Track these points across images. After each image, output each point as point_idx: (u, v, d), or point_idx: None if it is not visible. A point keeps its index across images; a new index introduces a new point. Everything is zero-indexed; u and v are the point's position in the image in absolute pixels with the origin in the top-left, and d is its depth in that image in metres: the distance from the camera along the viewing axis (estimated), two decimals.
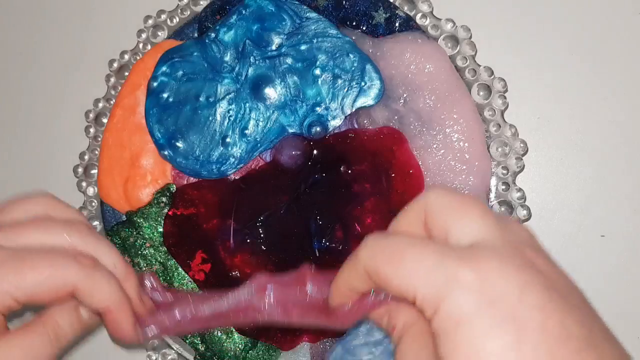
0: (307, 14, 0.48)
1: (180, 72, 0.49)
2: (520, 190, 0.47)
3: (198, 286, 0.49)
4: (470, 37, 0.48)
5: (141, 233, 0.50)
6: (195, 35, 0.51)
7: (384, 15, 0.48)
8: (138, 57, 0.52)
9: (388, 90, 0.47)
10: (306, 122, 0.48)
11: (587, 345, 0.27)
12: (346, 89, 0.47)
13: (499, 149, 0.47)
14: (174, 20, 0.52)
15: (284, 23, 0.48)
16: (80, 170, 0.53)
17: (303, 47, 0.48)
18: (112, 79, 0.52)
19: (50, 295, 0.32)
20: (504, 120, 0.47)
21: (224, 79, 0.49)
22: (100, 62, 0.54)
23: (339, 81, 0.47)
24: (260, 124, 0.48)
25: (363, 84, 0.47)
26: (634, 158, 0.50)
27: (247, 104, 0.48)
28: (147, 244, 0.50)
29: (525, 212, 0.47)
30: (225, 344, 0.50)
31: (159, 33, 0.52)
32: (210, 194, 0.49)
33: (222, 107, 0.49)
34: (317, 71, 0.48)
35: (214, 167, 0.49)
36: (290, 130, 0.48)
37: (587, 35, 0.50)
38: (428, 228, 0.30)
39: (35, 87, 0.59)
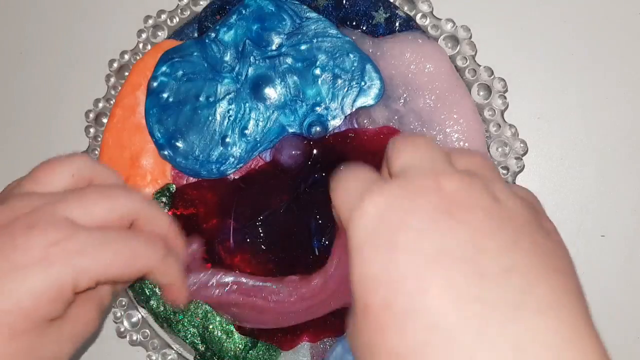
0: (307, 14, 0.48)
1: (180, 72, 0.49)
2: None
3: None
4: (470, 37, 0.48)
5: None
6: (195, 35, 0.51)
7: (384, 15, 0.48)
8: (138, 57, 0.52)
9: (388, 90, 0.47)
10: (306, 122, 0.48)
11: (463, 260, 0.27)
12: (346, 89, 0.47)
13: (499, 149, 0.47)
14: (174, 20, 0.52)
15: (284, 23, 0.48)
16: None
17: (303, 47, 0.48)
18: (112, 79, 0.52)
19: (130, 278, 0.37)
20: (504, 120, 0.47)
21: (224, 78, 0.49)
22: (100, 62, 0.54)
23: (339, 81, 0.47)
24: (260, 123, 0.48)
25: (363, 83, 0.47)
26: (634, 158, 0.50)
27: (247, 104, 0.48)
28: None
29: None
30: (225, 344, 0.50)
31: (159, 33, 0.52)
32: (209, 193, 0.49)
33: (222, 107, 0.49)
34: (317, 71, 0.48)
35: (213, 166, 0.49)
36: (290, 130, 0.48)
37: (587, 35, 0.50)
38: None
39: (35, 87, 0.59)
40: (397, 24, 0.48)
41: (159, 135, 0.49)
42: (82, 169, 0.39)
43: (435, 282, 0.26)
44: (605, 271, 0.50)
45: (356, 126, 0.48)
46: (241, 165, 0.49)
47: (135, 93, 0.51)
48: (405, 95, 0.47)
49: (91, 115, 0.53)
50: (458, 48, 0.48)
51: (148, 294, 0.50)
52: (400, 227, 0.28)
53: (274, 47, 0.48)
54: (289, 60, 0.48)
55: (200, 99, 0.49)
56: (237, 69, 0.49)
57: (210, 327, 0.50)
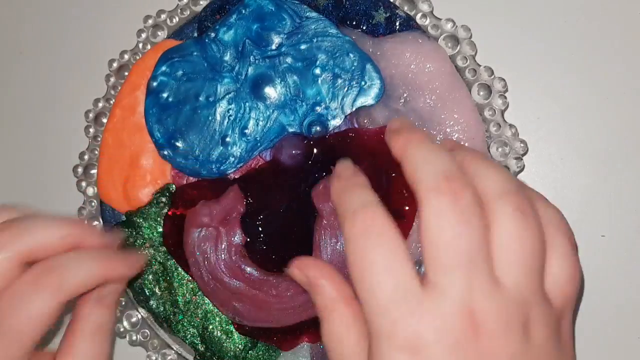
0: (307, 14, 0.48)
1: (180, 72, 0.49)
2: None
3: (198, 286, 0.49)
4: (470, 37, 0.48)
5: (141, 233, 0.50)
6: (195, 34, 0.51)
7: (384, 14, 0.48)
8: (138, 57, 0.52)
9: (388, 89, 0.47)
10: (306, 122, 0.48)
11: None
12: (346, 89, 0.47)
13: (499, 149, 0.47)
14: (174, 20, 0.52)
15: (283, 22, 0.48)
16: (79, 170, 0.53)
17: (303, 47, 0.48)
18: (112, 79, 0.52)
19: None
20: (504, 120, 0.47)
21: (223, 78, 0.49)
22: (100, 62, 0.54)
23: (339, 80, 0.47)
24: (260, 123, 0.48)
25: (363, 83, 0.47)
26: (634, 158, 0.50)
27: (247, 104, 0.48)
28: (147, 244, 0.50)
29: None
30: (225, 344, 0.50)
31: (159, 33, 0.52)
32: (209, 193, 0.49)
33: (221, 107, 0.49)
34: (317, 70, 0.48)
35: (213, 166, 0.49)
36: (290, 130, 0.48)
37: (587, 35, 0.50)
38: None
39: (35, 86, 0.59)
40: (397, 24, 0.48)
41: (158, 135, 0.49)
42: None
43: None
44: (605, 271, 0.49)
45: (356, 126, 0.48)
46: (241, 164, 0.49)
47: (135, 93, 0.51)
48: (405, 95, 0.47)
49: (91, 115, 0.53)
50: (458, 48, 0.48)
51: (147, 294, 0.50)
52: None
53: (273, 47, 0.48)
54: (289, 60, 0.48)
55: (200, 98, 0.49)
56: (237, 68, 0.49)
57: (210, 327, 0.50)
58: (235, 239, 0.48)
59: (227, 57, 0.49)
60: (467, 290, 0.30)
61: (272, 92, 0.48)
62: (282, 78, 0.48)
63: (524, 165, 0.47)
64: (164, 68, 0.49)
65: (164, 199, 0.50)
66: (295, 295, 0.46)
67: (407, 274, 0.31)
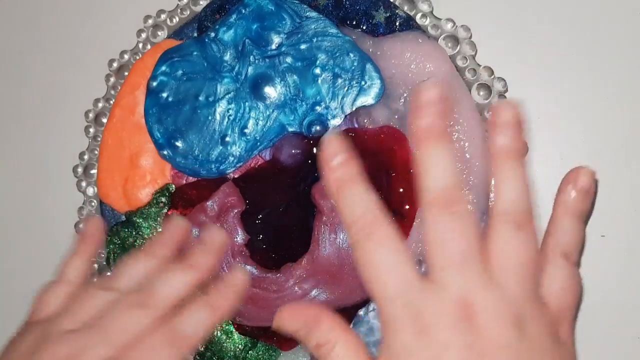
0: (307, 13, 0.48)
1: (180, 72, 0.49)
2: None
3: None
4: (470, 37, 0.48)
5: (140, 233, 0.50)
6: (195, 34, 0.51)
7: (384, 14, 0.48)
8: (138, 57, 0.52)
9: (388, 89, 0.47)
10: (306, 121, 0.48)
11: None
12: (346, 88, 0.47)
13: None
14: (174, 20, 0.52)
15: (283, 22, 0.48)
16: (79, 170, 0.53)
17: (303, 46, 0.48)
18: (112, 79, 0.52)
19: None
20: None
21: (223, 78, 0.49)
22: (100, 62, 0.54)
23: (339, 80, 0.47)
24: (260, 122, 0.48)
25: (363, 83, 0.47)
26: (634, 158, 0.50)
27: (247, 103, 0.48)
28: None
29: None
30: (225, 344, 0.50)
31: (159, 33, 0.52)
32: (209, 193, 0.48)
33: (221, 107, 0.49)
34: (317, 70, 0.48)
35: (213, 166, 0.49)
36: (290, 129, 0.48)
37: (587, 35, 0.50)
38: None
39: (34, 87, 0.59)
40: (397, 24, 0.48)
41: (158, 135, 0.49)
42: (71, 285, 0.42)
43: None
44: (605, 271, 0.49)
45: (356, 125, 0.48)
46: (241, 164, 0.49)
47: (134, 93, 0.51)
48: (405, 95, 0.47)
49: (91, 115, 0.53)
50: (458, 48, 0.48)
51: None
52: None
53: (273, 47, 0.48)
54: (289, 60, 0.48)
55: (200, 98, 0.49)
56: (236, 68, 0.49)
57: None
58: (238, 239, 0.48)
59: (227, 57, 0.49)
60: (463, 284, 0.33)
61: (272, 92, 0.48)
62: (282, 78, 0.48)
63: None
64: (163, 68, 0.49)
65: (163, 199, 0.50)
66: (296, 284, 0.46)
67: (409, 270, 0.34)
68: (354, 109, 0.47)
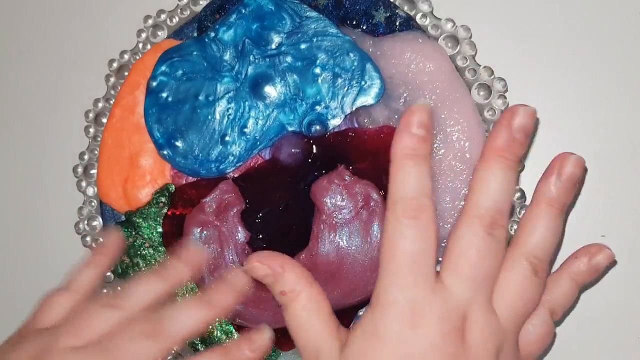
0: (307, 13, 0.48)
1: (180, 72, 0.49)
2: (520, 190, 0.47)
3: (197, 288, 0.49)
4: (470, 37, 0.48)
5: (140, 233, 0.50)
6: (195, 34, 0.51)
7: (384, 14, 0.48)
8: (138, 57, 0.52)
9: (388, 89, 0.47)
10: (306, 121, 0.48)
11: None
12: (346, 88, 0.47)
13: None
14: (174, 20, 0.52)
15: (283, 22, 0.48)
16: (79, 170, 0.53)
17: (303, 46, 0.48)
18: (112, 79, 0.52)
19: None
20: None
21: (223, 77, 0.49)
22: (100, 62, 0.54)
23: (339, 80, 0.47)
24: (260, 122, 0.48)
25: (363, 83, 0.47)
26: (634, 158, 0.50)
27: (247, 103, 0.48)
28: (146, 244, 0.50)
29: (525, 212, 0.47)
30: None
31: (159, 33, 0.52)
32: (209, 193, 0.48)
33: (221, 106, 0.49)
34: (317, 70, 0.48)
35: (212, 165, 0.49)
36: (290, 129, 0.48)
37: (587, 35, 0.50)
38: None
39: (34, 87, 0.59)
40: (397, 23, 0.48)
41: (158, 135, 0.49)
42: (78, 295, 0.42)
43: None
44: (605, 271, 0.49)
45: (356, 125, 0.48)
46: (240, 163, 0.49)
47: (134, 93, 0.51)
48: (405, 95, 0.47)
49: (91, 115, 0.53)
50: (458, 48, 0.48)
51: None
52: None
53: (273, 46, 0.48)
54: (289, 59, 0.48)
55: (200, 98, 0.49)
56: (236, 67, 0.49)
57: (210, 327, 0.50)
58: (239, 236, 0.47)
59: (226, 57, 0.49)
60: (470, 300, 0.36)
61: (272, 91, 0.48)
62: (281, 77, 0.48)
63: (524, 166, 0.47)
64: (163, 68, 0.49)
65: (163, 199, 0.50)
66: None
67: (430, 267, 0.37)
68: (354, 108, 0.47)
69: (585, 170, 0.40)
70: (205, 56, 0.49)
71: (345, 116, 0.48)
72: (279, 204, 0.48)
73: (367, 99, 0.47)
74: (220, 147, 0.49)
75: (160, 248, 0.50)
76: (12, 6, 0.60)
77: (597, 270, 0.41)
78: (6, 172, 0.60)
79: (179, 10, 0.52)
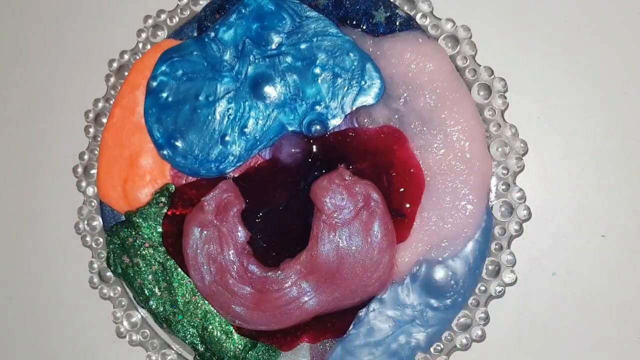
0: (307, 13, 0.48)
1: (180, 72, 0.49)
2: (520, 190, 0.47)
3: (197, 288, 0.49)
4: (470, 37, 0.48)
5: (140, 233, 0.50)
6: (195, 34, 0.51)
7: (384, 14, 0.48)
8: (138, 57, 0.52)
9: (388, 89, 0.47)
10: (306, 121, 0.48)
11: None
12: (346, 88, 0.47)
13: (499, 149, 0.47)
14: (174, 20, 0.52)
15: (283, 22, 0.48)
16: (79, 170, 0.53)
17: (303, 46, 0.48)
18: (112, 79, 0.52)
19: None
20: (504, 120, 0.47)
21: (223, 77, 0.49)
22: (100, 62, 0.54)
23: (339, 80, 0.47)
24: (260, 122, 0.48)
25: (363, 83, 0.47)
26: (634, 158, 0.50)
27: (247, 103, 0.48)
28: (146, 244, 0.50)
29: (525, 212, 0.47)
30: (224, 345, 0.50)
31: (159, 33, 0.52)
32: (209, 193, 0.48)
33: (221, 106, 0.49)
34: (317, 70, 0.48)
35: (212, 165, 0.49)
36: (290, 129, 0.48)
37: (587, 35, 0.50)
38: None
39: (35, 87, 0.59)
40: (397, 23, 0.48)
41: (158, 135, 0.49)
42: None
43: None
44: (605, 271, 0.50)
45: (356, 125, 0.48)
46: (240, 163, 0.49)
47: (134, 93, 0.51)
48: (405, 95, 0.47)
49: (91, 115, 0.53)
50: (458, 48, 0.48)
51: (147, 294, 0.50)
52: None
53: (273, 46, 0.48)
54: (289, 59, 0.48)
55: (200, 98, 0.49)
56: (236, 67, 0.49)
57: (210, 327, 0.50)
58: (239, 236, 0.47)
59: (226, 57, 0.49)
60: None
61: (272, 91, 0.48)
62: (281, 77, 0.48)
63: (524, 165, 0.47)
64: (163, 68, 0.49)
65: (163, 199, 0.50)
66: (296, 283, 0.46)
67: None
68: (354, 108, 0.47)
69: None
70: (205, 56, 0.49)
71: (345, 116, 0.48)
72: (279, 204, 0.48)
73: (367, 99, 0.47)
74: (220, 147, 0.49)
75: (160, 248, 0.50)
76: (12, 6, 0.60)
77: None
78: (6, 172, 0.60)
79: (179, 10, 0.52)
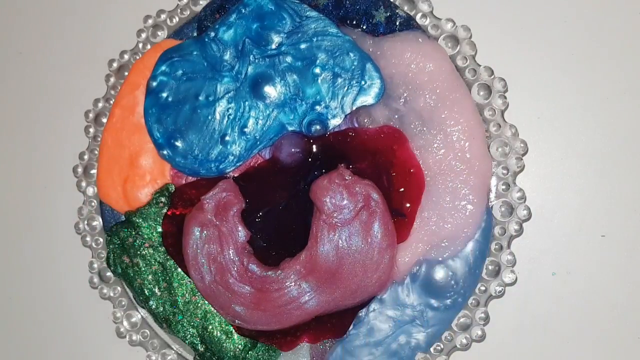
0: (307, 13, 0.48)
1: (180, 72, 0.49)
2: (520, 190, 0.47)
3: (197, 289, 0.49)
4: (470, 37, 0.48)
5: (140, 233, 0.50)
6: (195, 34, 0.51)
7: (384, 14, 0.48)
8: (138, 57, 0.52)
9: (388, 89, 0.47)
10: (306, 121, 0.48)
11: None
12: (346, 88, 0.47)
13: (499, 149, 0.47)
14: (174, 20, 0.52)
15: (283, 22, 0.48)
16: (79, 170, 0.53)
17: (303, 46, 0.48)
18: (112, 79, 0.52)
19: None
20: (504, 120, 0.47)
21: (223, 77, 0.49)
22: (100, 62, 0.54)
23: (339, 80, 0.47)
24: (260, 122, 0.48)
25: (363, 82, 0.47)
26: (634, 158, 0.50)
27: (247, 103, 0.48)
28: (146, 244, 0.50)
29: (525, 212, 0.47)
30: (224, 345, 0.50)
31: (159, 33, 0.52)
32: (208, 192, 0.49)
33: (221, 106, 0.49)
34: (317, 70, 0.48)
35: (212, 165, 0.49)
36: (290, 129, 0.48)
37: (587, 35, 0.50)
38: None
39: (35, 87, 0.59)
40: (397, 23, 0.48)
41: (158, 135, 0.49)
42: None
43: None
44: (605, 271, 0.49)
45: (356, 125, 0.48)
46: (240, 163, 0.49)
47: (134, 93, 0.51)
48: (405, 95, 0.47)
49: (91, 115, 0.53)
50: (458, 48, 0.48)
51: (147, 294, 0.50)
52: None
53: (273, 46, 0.48)
54: (289, 59, 0.48)
55: (200, 98, 0.49)
56: (236, 67, 0.49)
57: (210, 327, 0.50)
58: (239, 235, 0.47)
59: (226, 57, 0.49)
60: None
61: (272, 91, 0.48)
62: (281, 77, 0.48)
63: (524, 165, 0.47)
64: (163, 68, 0.49)
65: (163, 199, 0.50)
66: (296, 283, 0.46)
67: None
68: (354, 108, 0.47)
69: None
70: (205, 56, 0.49)
71: (345, 116, 0.48)
72: (279, 204, 0.48)
73: (367, 99, 0.47)
74: (220, 146, 0.49)
75: (160, 248, 0.50)
76: (12, 6, 0.60)
77: None
78: (6, 172, 0.60)
79: (179, 10, 0.52)
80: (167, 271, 0.50)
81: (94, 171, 0.52)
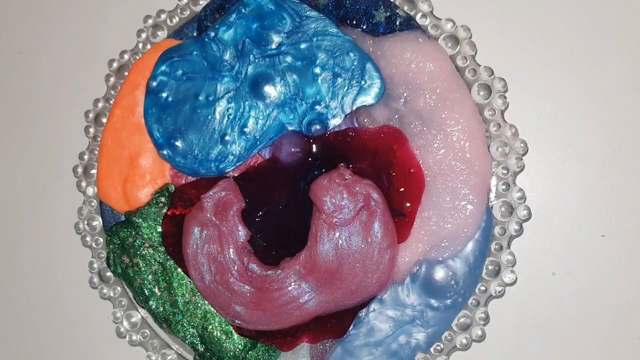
0: (307, 13, 0.48)
1: (180, 71, 0.49)
2: (520, 190, 0.47)
3: (197, 289, 0.49)
4: (470, 37, 0.48)
5: (140, 233, 0.50)
6: (195, 34, 0.51)
7: (384, 14, 0.48)
8: (138, 57, 0.52)
9: (388, 89, 0.47)
10: (306, 120, 0.48)
11: None
12: (346, 88, 0.47)
13: (499, 149, 0.47)
14: (174, 20, 0.52)
15: (283, 22, 0.48)
16: (79, 170, 0.53)
17: (303, 46, 0.48)
18: (112, 79, 0.52)
19: None
20: (504, 120, 0.47)
21: (223, 77, 0.49)
22: (100, 62, 0.54)
23: (339, 80, 0.47)
24: (260, 122, 0.48)
25: (363, 82, 0.47)
26: (634, 158, 0.50)
27: (247, 102, 0.48)
28: (146, 244, 0.50)
29: (525, 212, 0.47)
30: (224, 345, 0.50)
31: (159, 33, 0.52)
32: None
33: (221, 106, 0.49)
34: (317, 70, 0.48)
35: (212, 165, 0.49)
36: (290, 128, 0.48)
37: (587, 35, 0.50)
38: None
39: (35, 87, 0.59)
40: (397, 23, 0.48)
41: (157, 134, 0.49)
42: None
43: None
44: (605, 271, 0.50)
45: (356, 125, 0.48)
46: (240, 163, 0.49)
47: (134, 93, 0.51)
48: (405, 95, 0.47)
49: (91, 115, 0.53)
50: (458, 48, 0.48)
51: (147, 294, 0.50)
52: None
53: (273, 46, 0.48)
54: (289, 59, 0.48)
55: (200, 98, 0.49)
56: (236, 67, 0.49)
57: (210, 327, 0.50)
58: (239, 235, 0.47)
59: (226, 56, 0.49)
60: None
61: (272, 91, 0.48)
62: (281, 77, 0.48)
63: (524, 165, 0.47)
64: (163, 68, 0.49)
65: (163, 199, 0.50)
66: (296, 283, 0.46)
67: None
68: (354, 108, 0.47)
69: None
70: (205, 56, 0.49)
71: (345, 116, 0.48)
72: (279, 203, 0.48)
73: (367, 99, 0.47)
74: (220, 146, 0.49)
75: (160, 248, 0.50)
76: (12, 6, 0.60)
77: None
78: (6, 172, 0.60)
79: (179, 10, 0.52)
80: (167, 271, 0.50)
81: (94, 171, 0.52)
